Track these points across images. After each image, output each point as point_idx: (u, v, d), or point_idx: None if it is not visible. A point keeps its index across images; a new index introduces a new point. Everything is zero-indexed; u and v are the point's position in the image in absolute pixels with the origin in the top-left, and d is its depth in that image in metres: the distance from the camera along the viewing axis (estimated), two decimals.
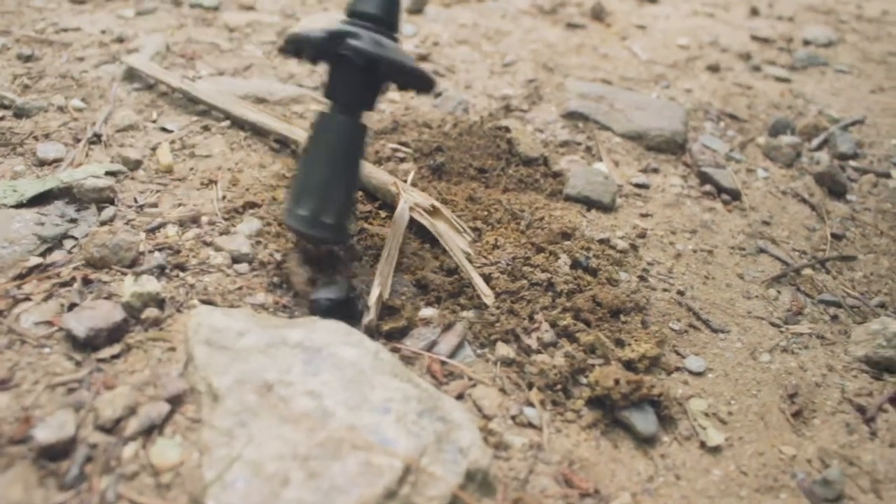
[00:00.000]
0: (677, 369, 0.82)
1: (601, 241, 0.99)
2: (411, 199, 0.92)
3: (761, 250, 1.09)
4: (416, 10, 1.89)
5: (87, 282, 0.77)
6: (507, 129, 1.23)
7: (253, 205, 0.94)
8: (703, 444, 0.73)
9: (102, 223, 0.87)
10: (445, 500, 0.58)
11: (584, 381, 0.77)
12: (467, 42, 1.73)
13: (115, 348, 0.70)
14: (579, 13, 2.09)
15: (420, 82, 0.82)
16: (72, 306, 0.74)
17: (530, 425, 0.71)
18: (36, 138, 1.03)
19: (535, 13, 2.04)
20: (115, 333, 0.71)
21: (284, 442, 0.59)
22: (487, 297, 0.82)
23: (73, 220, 0.86)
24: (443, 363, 0.75)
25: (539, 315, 0.83)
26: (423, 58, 1.57)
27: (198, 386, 0.65)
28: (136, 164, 1.00)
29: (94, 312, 0.71)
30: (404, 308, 0.80)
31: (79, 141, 1.04)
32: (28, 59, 1.26)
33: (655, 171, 1.25)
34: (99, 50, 1.34)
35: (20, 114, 1.08)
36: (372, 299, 0.77)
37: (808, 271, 1.05)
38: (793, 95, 1.69)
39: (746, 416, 0.78)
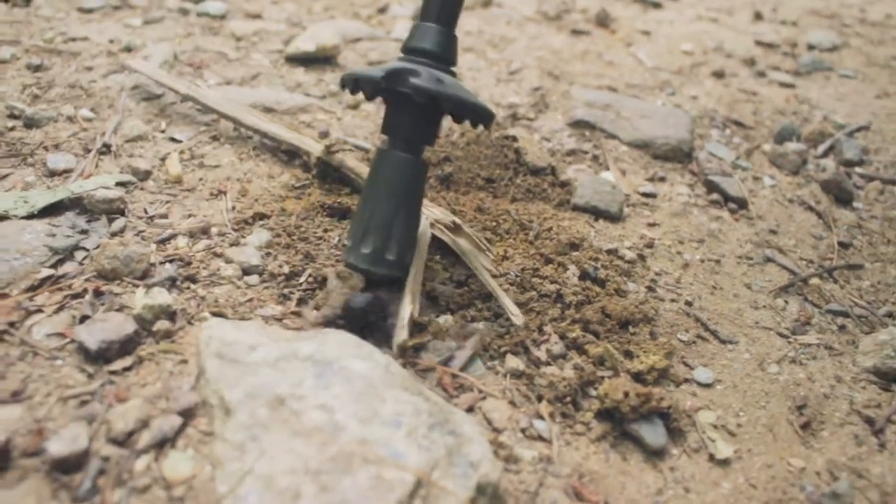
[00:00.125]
0: (686, 381, 0.83)
1: (609, 252, 0.99)
2: (432, 215, 0.93)
3: (768, 259, 1.09)
4: None
5: (98, 294, 0.78)
6: (515, 139, 1.23)
7: (262, 216, 0.94)
8: (711, 457, 0.73)
9: (113, 234, 0.88)
10: None
11: (593, 393, 0.77)
12: (473, 49, 1.73)
13: (127, 361, 0.71)
14: (584, 19, 2.10)
15: (479, 116, 0.82)
16: (83, 318, 0.74)
17: (540, 438, 0.71)
18: (46, 149, 1.04)
19: (540, 20, 2.05)
20: (126, 346, 0.71)
21: (296, 456, 0.59)
22: (516, 316, 0.82)
23: (84, 232, 0.87)
24: (454, 376, 0.76)
25: (548, 327, 0.83)
26: None
27: (210, 399, 0.65)
28: (145, 175, 1.00)
29: (106, 325, 0.72)
30: (430, 324, 0.80)
31: (89, 151, 1.04)
32: (37, 68, 1.27)
33: (662, 179, 1.25)
34: (107, 59, 1.35)
35: (30, 124, 1.09)
36: (404, 318, 0.78)
37: (815, 280, 1.05)
38: (798, 101, 1.69)
39: (755, 428, 0.78)
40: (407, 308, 0.79)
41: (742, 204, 1.22)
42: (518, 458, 0.68)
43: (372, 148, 1.18)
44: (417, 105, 0.77)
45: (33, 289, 0.77)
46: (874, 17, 2.52)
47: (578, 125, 1.37)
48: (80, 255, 0.84)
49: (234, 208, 0.96)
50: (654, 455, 0.72)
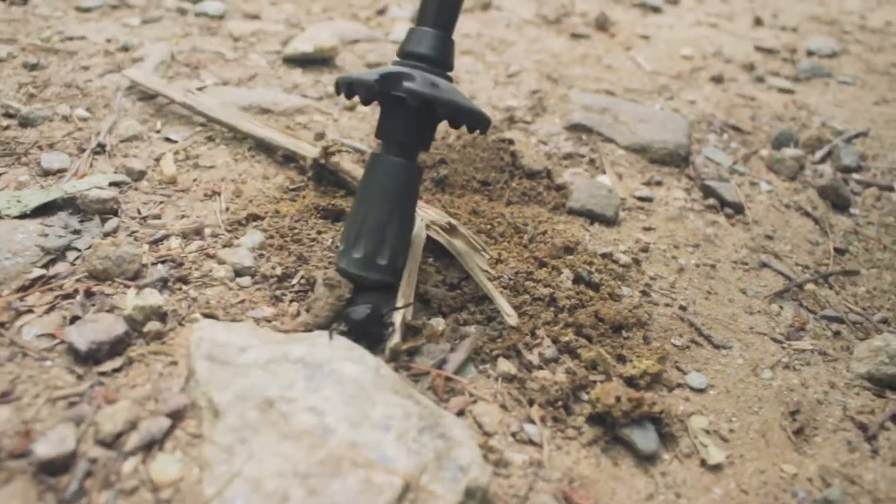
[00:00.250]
0: (679, 386, 0.82)
1: (604, 256, 0.99)
2: (427, 216, 0.92)
3: (764, 265, 1.08)
4: None
5: (89, 294, 0.77)
6: (511, 142, 1.23)
7: (256, 217, 0.94)
8: (703, 462, 0.73)
9: (106, 235, 0.87)
10: None
11: (585, 397, 0.77)
12: (471, 52, 1.73)
13: (117, 362, 0.70)
14: (583, 23, 2.10)
15: (475, 121, 0.81)
16: (74, 319, 0.74)
17: (531, 442, 0.71)
18: (40, 148, 1.04)
19: (540, 23, 2.05)
20: (116, 347, 0.71)
21: (285, 459, 0.59)
22: (510, 317, 0.82)
23: (76, 232, 0.87)
24: (447, 379, 0.75)
25: (541, 330, 0.83)
26: None
27: (199, 401, 0.65)
28: (139, 175, 1.00)
29: (96, 325, 0.72)
30: (424, 327, 0.80)
31: (83, 151, 1.04)
32: (34, 67, 1.26)
33: (659, 184, 1.25)
34: (104, 59, 1.35)
35: (25, 123, 1.09)
36: (396, 322, 0.78)
37: (810, 286, 1.05)
38: (796, 107, 1.69)
39: (748, 433, 0.78)
40: (399, 312, 0.78)
41: (738, 209, 1.22)
42: (508, 463, 0.68)
43: (368, 150, 1.18)
44: (412, 109, 0.76)
45: (24, 289, 0.77)
46: (874, 23, 2.53)
47: (576, 129, 1.37)
48: (72, 255, 0.83)
49: (227, 209, 0.96)
50: (646, 460, 0.72)
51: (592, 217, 1.09)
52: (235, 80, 1.36)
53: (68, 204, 0.91)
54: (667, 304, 0.94)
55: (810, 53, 2.12)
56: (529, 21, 2.06)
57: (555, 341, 0.82)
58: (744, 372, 0.86)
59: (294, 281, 0.84)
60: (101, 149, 1.06)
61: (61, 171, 0.99)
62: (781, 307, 1.00)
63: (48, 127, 1.09)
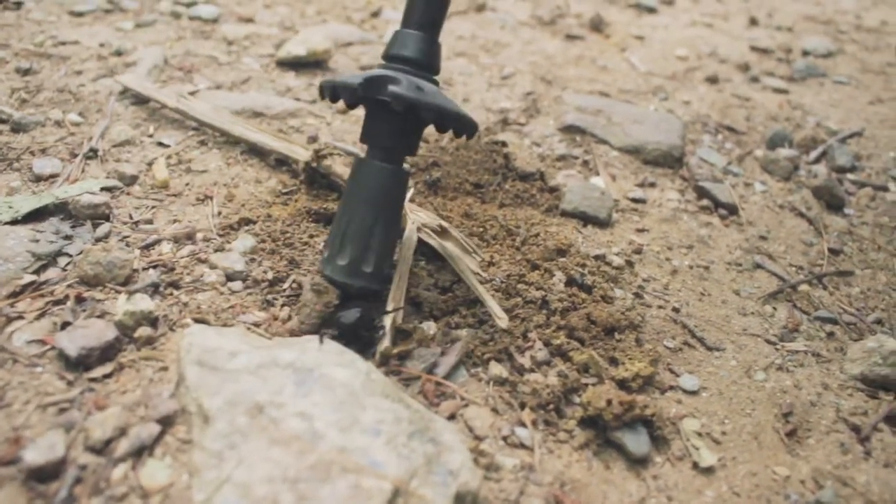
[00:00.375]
0: (671, 388, 0.82)
1: (597, 258, 0.99)
2: (418, 219, 0.92)
3: (758, 266, 1.08)
4: None
5: (80, 300, 0.77)
6: (504, 144, 1.23)
7: (248, 221, 0.94)
8: (695, 465, 0.73)
9: (97, 240, 0.87)
10: None
11: (576, 400, 0.76)
12: (465, 54, 1.73)
13: (108, 367, 0.70)
14: (578, 24, 2.10)
15: (462, 126, 0.80)
16: (65, 325, 0.74)
17: (522, 446, 0.70)
18: (32, 153, 1.03)
19: (535, 24, 2.05)
20: (107, 353, 0.71)
21: (274, 464, 0.59)
22: (501, 319, 0.82)
23: (67, 237, 0.87)
24: (437, 384, 0.75)
25: (533, 333, 0.82)
26: None
27: (189, 407, 0.65)
28: (131, 180, 1.00)
29: (87, 331, 0.71)
30: (415, 331, 0.80)
31: (75, 156, 1.04)
32: (26, 72, 1.26)
33: (652, 185, 1.25)
34: (97, 63, 1.34)
35: (17, 128, 1.09)
36: (387, 325, 0.77)
37: (804, 287, 1.05)
38: (791, 107, 1.69)
39: (740, 435, 0.78)
40: (389, 316, 0.78)
41: (732, 210, 1.22)
42: (499, 466, 0.67)
43: (361, 153, 1.18)
44: (397, 114, 0.75)
45: (15, 295, 0.77)
46: (869, 23, 2.53)
47: (569, 130, 1.37)
48: (63, 260, 0.83)
49: (219, 213, 0.95)
50: (638, 463, 0.72)
51: (585, 219, 1.09)
52: (228, 83, 1.36)
53: (60, 209, 0.91)
54: (660, 306, 0.94)
55: (805, 53, 2.12)
56: (524, 22, 2.06)
57: (546, 344, 0.82)
58: (737, 374, 0.86)
59: (285, 285, 0.84)
60: (93, 154, 1.05)
61: (53, 176, 0.99)
62: (775, 308, 1.00)
63: (40, 132, 1.09)
